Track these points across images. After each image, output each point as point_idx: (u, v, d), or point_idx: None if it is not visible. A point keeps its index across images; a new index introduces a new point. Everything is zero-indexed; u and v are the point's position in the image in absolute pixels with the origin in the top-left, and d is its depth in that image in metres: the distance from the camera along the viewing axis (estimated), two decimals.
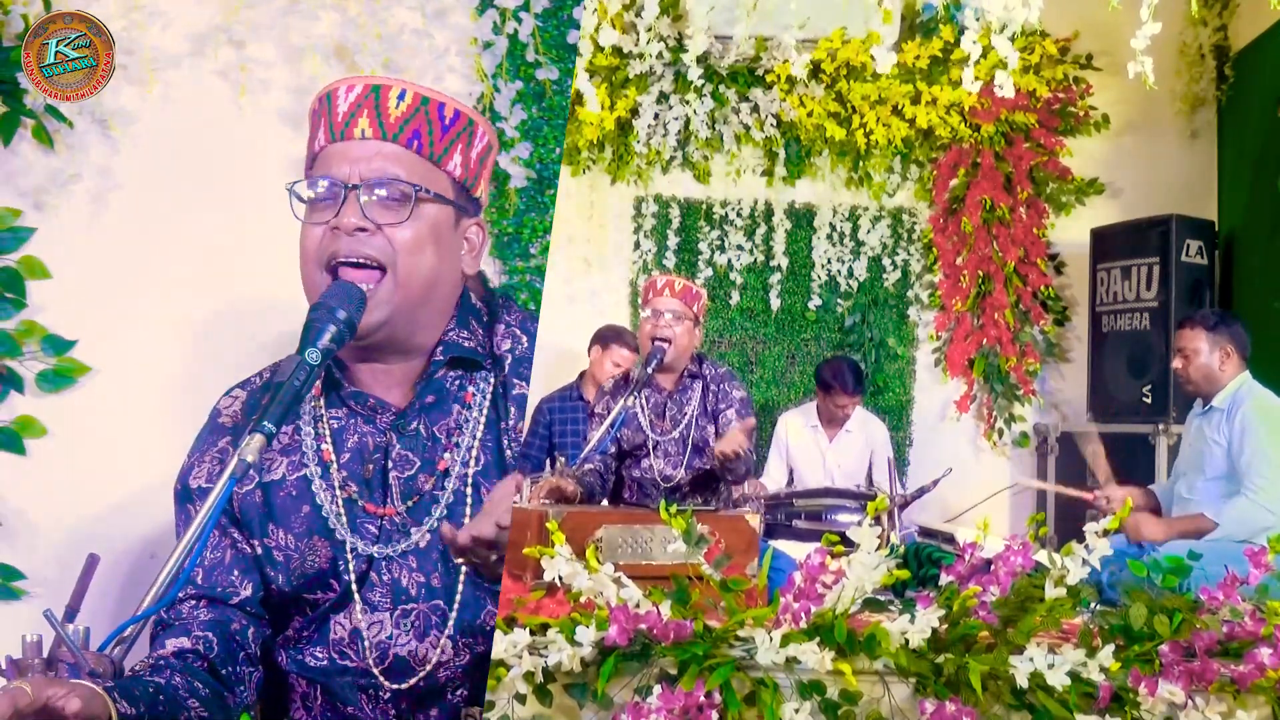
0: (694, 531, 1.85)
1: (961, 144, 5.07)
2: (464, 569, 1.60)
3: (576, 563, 1.76)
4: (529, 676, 1.66)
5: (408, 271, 1.58)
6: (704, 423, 3.37)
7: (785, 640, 1.68)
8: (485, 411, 1.65)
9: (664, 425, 3.39)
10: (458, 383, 1.66)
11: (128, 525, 2.64)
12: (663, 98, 4.95)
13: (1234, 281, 4.81)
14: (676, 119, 4.96)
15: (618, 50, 4.75)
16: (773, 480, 4.60)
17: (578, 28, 3.04)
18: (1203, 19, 4.95)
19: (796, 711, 1.65)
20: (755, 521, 2.44)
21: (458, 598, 1.60)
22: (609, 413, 3.29)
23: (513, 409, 1.65)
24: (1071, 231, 5.12)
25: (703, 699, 1.63)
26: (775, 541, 3.42)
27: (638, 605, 1.71)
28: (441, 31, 2.94)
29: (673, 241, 5.12)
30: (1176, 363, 3.53)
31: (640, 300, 3.57)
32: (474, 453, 1.63)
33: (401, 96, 1.59)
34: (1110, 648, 1.71)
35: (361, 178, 1.56)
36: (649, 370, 3.26)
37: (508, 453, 1.64)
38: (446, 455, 1.62)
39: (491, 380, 1.66)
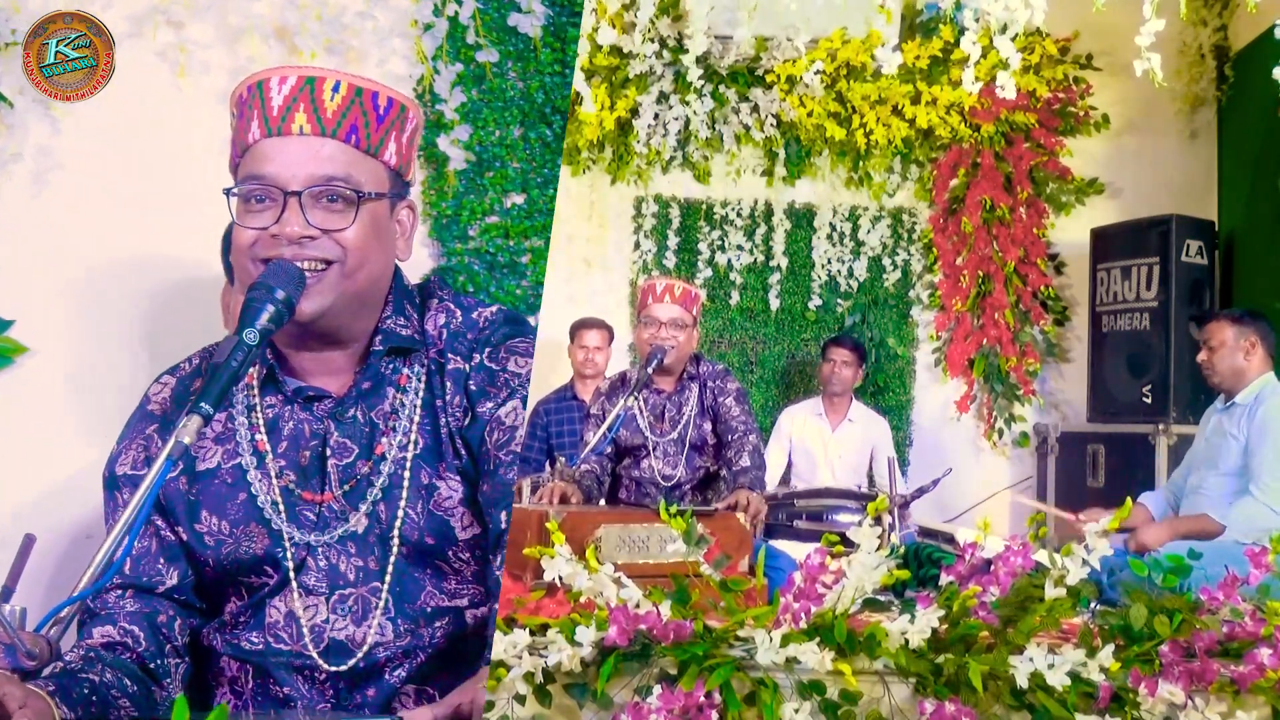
0: (694, 531, 1.85)
1: (961, 144, 5.07)
2: (400, 551, 1.59)
3: (576, 563, 1.76)
4: (529, 677, 1.66)
5: (354, 266, 1.57)
6: (702, 422, 3.36)
7: (785, 640, 1.68)
8: (421, 394, 1.63)
9: (663, 426, 3.38)
10: (392, 367, 1.65)
11: (64, 506, 2.62)
12: (663, 98, 4.95)
13: (1234, 281, 4.81)
14: (676, 119, 4.96)
15: (617, 50, 4.76)
16: (770, 474, 4.61)
17: (520, 10, 3.05)
18: (1203, 19, 4.95)
19: (796, 711, 1.65)
20: (745, 520, 2.45)
21: (395, 581, 1.59)
22: (605, 415, 3.28)
23: (449, 384, 1.63)
24: (1071, 231, 5.12)
25: (703, 699, 1.63)
26: (775, 541, 3.43)
27: (638, 605, 1.71)
28: (383, 13, 2.94)
29: (673, 241, 5.12)
30: (1202, 355, 3.49)
31: (637, 304, 3.56)
32: (411, 436, 1.61)
33: (336, 88, 1.56)
34: (1110, 648, 1.71)
35: (304, 183, 1.53)
36: (649, 370, 3.25)
37: (444, 430, 1.62)
38: (384, 440, 1.61)
39: (425, 360, 1.65)
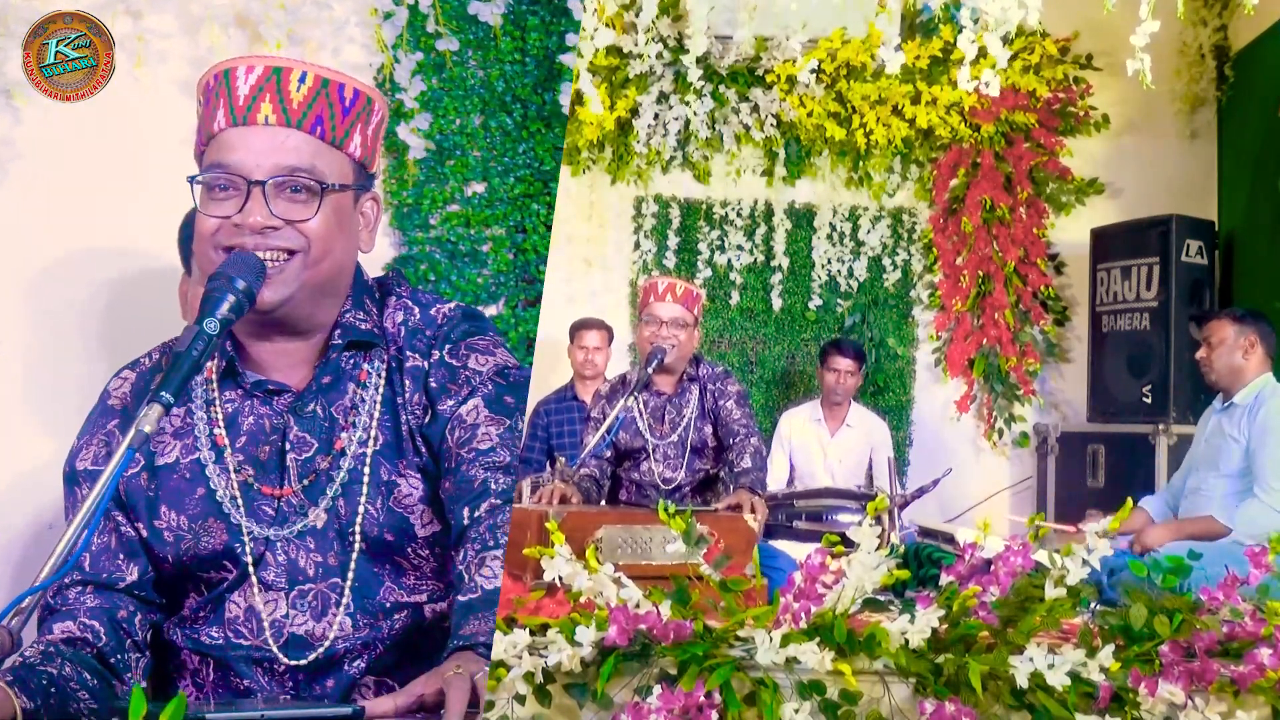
0: (693, 532, 1.85)
1: (961, 144, 5.07)
2: (360, 547, 1.60)
3: (576, 563, 1.76)
4: (529, 677, 1.66)
5: (317, 256, 1.58)
6: (702, 425, 3.35)
7: (785, 640, 1.68)
8: (381, 390, 1.64)
9: (663, 429, 3.38)
10: (353, 361, 1.65)
11: (24, 499, 2.62)
12: (663, 98, 4.95)
13: (1234, 281, 4.81)
14: (676, 119, 4.96)
15: (617, 50, 4.76)
16: (774, 477, 4.61)
17: None
18: (1202, 19, 4.95)
19: (796, 711, 1.65)
20: (753, 522, 2.43)
21: (355, 576, 1.60)
22: (605, 418, 3.28)
23: (408, 382, 1.64)
24: (1071, 231, 5.12)
25: (703, 699, 1.63)
26: (775, 541, 3.43)
27: (638, 605, 1.71)
28: (342, 2, 2.95)
29: (673, 241, 5.12)
30: (1201, 353, 3.49)
31: (639, 303, 3.56)
32: (371, 432, 1.62)
33: (303, 79, 1.57)
34: (1110, 648, 1.71)
35: (268, 173, 1.54)
36: (649, 371, 3.25)
37: (404, 427, 1.63)
38: (344, 435, 1.62)
39: (385, 357, 1.66)
